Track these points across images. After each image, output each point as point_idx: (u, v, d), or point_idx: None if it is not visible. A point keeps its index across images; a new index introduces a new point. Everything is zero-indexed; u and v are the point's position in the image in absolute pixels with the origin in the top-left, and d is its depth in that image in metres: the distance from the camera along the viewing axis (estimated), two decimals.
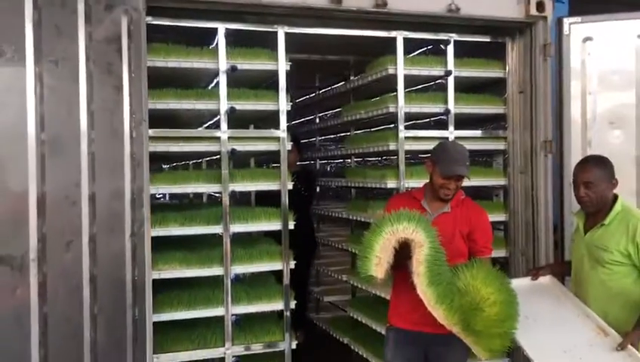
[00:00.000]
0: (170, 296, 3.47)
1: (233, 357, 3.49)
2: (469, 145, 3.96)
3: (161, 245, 3.58)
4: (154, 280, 3.32)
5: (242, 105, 3.54)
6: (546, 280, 3.09)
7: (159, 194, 7.83)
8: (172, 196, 6.61)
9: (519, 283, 3.10)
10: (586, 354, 2.57)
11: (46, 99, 2.54)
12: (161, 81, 3.48)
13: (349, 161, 5.01)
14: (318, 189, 5.61)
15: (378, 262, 2.49)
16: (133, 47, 2.84)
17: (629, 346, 2.51)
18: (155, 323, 3.32)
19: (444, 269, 2.54)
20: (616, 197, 2.81)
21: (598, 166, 2.81)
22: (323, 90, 5.34)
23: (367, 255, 2.51)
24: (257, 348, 3.57)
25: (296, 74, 5.79)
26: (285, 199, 3.60)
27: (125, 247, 2.78)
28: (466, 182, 3.92)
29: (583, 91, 3.62)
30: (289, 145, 4.43)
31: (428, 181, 2.97)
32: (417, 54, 4.16)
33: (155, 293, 3.36)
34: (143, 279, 2.90)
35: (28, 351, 2.31)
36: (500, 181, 4.12)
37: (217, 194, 3.81)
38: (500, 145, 4.11)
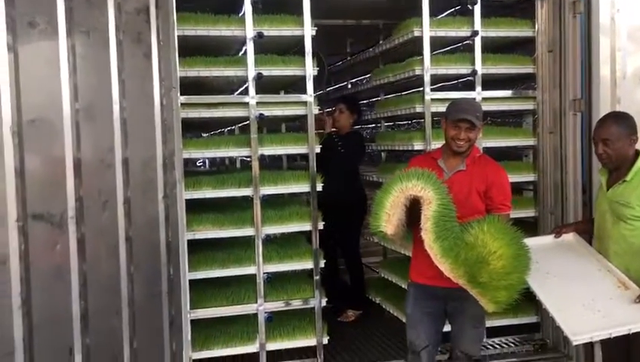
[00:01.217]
0: (205, 256, 3.65)
1: (266, 313, 3.65)
2: (497, 106, 4.03)
3: (196, 208, 3.76)
4: (189, 241, 3.52)
5: (269, 71, 3.63)
6: (569, 237, 3.11)
7: (200, 162, 8.10)
8: (211, 164, 6.84)
9: (543, 241, 3.15)
10: (605, 306, 2.60)
11: (79, 69, 2.68)
12: (191, 49, 3.61)
13: (380, 125, 5.05)
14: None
15: (387, 218, 2.59)
16: (162, 16, 2.93)
17: None
18: (190, 281, 3.53)
19: (453, 225, 2.60)
20: (637, 153, 2.80)
21: (616, 122, 2.80)
22: (354, 55, 5.38)
23: (378, 211, 2.61)
24: (288, 305, 3.71)
25: (328, 40, 5.90)
26: (313, 163, 3.70)
27: (158, 208, 2.92)
28: (496, 143, 4.02)
29: (613, 48, 3.55)
30: (339, 107, 4.61)
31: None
32: (444, 16, 4.15)
33: (191, 253, 3.56)
34: (176, 239, 3.05)
35: (69, 304, 2.50)
36: (530, 141, 4.12)
37: (248, 159, 3.94)
38: (529, 105, 4.09)
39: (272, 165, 4.80)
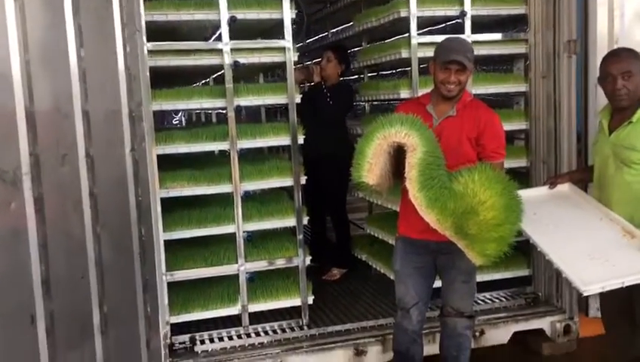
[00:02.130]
0: (181, 215, 3.43)
1: (247, 273, 3.47)
2: (488, 50, 3.80)
3: (170, 164, 3.53)
4: (163, 199, 3.31)
5: (244, 15, 3.36)
6: (564, 188, 2.95)
7: (176, 120, 7.82)
8: (187, 121, 6.58)
9: (537, 193, 2.99)
10: (614, 255, 2.44)
11: (27, 10, 2.40)
12: None
13: (363, 77, 4.80)
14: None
15: (369, 168, 2.41)
16: None
17: None
18: (166, 242, 3.33)
19: (440, 173, 2.41)
20: None
21: (633, 55, 2.62)
22: (333, 2, 5.08)
23: (359, 161, 2.43)
24: (270, 264, 3.53)
25: None
26: (294, 113, 3.47)
27: (125, 163, 2.70)
28: (485, 89, 3.81)
29: None
30: (327, 55, 4.33)
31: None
32: None
33: (166, 212, 3.35)
34: (147, 196, 2.84)
35: (28, 268, 2.28)
36: (521, 87, 3.90)
37: (224, 112, 3.69)
38: (520, 49, 3.86)
39: (251, 120, 4.56)
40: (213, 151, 4.46)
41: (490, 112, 2.85)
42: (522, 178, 3.97)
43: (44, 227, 2.35)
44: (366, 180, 2.46)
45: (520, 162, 3.94)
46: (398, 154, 2.50)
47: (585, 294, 2.38)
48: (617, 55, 2.66)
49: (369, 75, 4.76)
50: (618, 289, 2.69)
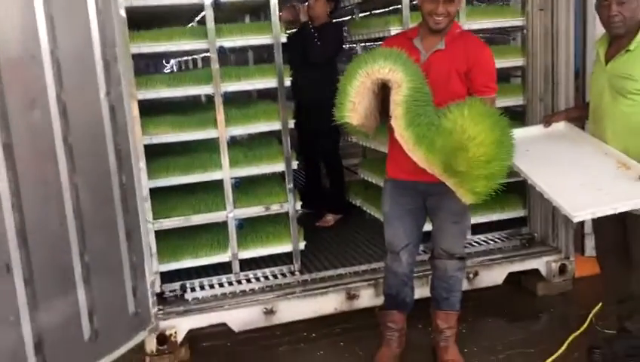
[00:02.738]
0: (166, 162, 3.34)
1: (236, 220, 3.40)
2: None
3: (153, 110, 3.43)
4: (147, 146, 3.21)
5: None
6: (559, 126, 2.85)
7: (167, 68, 7.62)
8: (179, 69, 6.40)
9: (532, 131, 2.90)
10: (607, 184, 2.36)
11: None
12: None
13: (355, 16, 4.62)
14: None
15: (353, 107, 2.32)
16: None
17: None
18: (153, 190, 3.25)
19: (427, 110, 2.31)
20: None
21: None
22: None
23: (342, 100, 2.33)
24: (259, 211, 3.46)
25: None
26: (279, 55, 3.32)
27: (101, 108, 2.60)
28: (479, 24, 3.64)
29: None
30: None
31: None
32: None
33: (150, 159, 3.26)
34: (126, 142, 2.75)
35: (0, 216, 2.20)
36: (518, 21, 3.73)
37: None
38: None
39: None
40: (201, 97, 4.38)
41: (481, 45, 2.72)
42: (519, 117, 3.86)
43: (16, 174, 2.24)
44: (349, 120, 2.37)
45: (516, 100, 3.80)
46: (383, 92, 2.39)
47: (575, 220, 2.31)
48: None
49: (361, 14, 4.57)
50: (612, 228, 2.64)
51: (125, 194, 2.74)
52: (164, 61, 7.86)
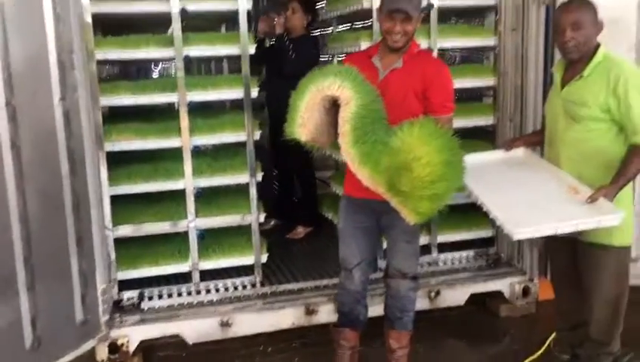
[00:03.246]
0: (129, 169, 3.32)
1: (197, 230, 3.38)
2: (457, 2, 3.62)
3: (118, 117, 3.42)
4: (110, 153, 3.20)
5: None
6: (519, 152, 2.83)
7: (155, 73, 7.57)
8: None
9: (491, 156, 2.89)
10: (553, 207, 2.34)
11: None
12: None
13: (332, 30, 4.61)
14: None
15: (302, 122, 2.32)
16: None
17: (601, 199, 2.27)
18: (114, 197, 3.24)
19: (376, 128, 2.29)
20: (598, 45, 2.46)
21: (584, 5, 2.46)
22: None
23: (292, 115, 2.33)
24: (221, 221, 3.44)
25: None
26: (247, 65, 3.31)
27: (54, 113, 2.58)
28: (451, 43, 3.64)
29: None
30: (292, 6, 4.15)
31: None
32: None
33: (113, 166, 3.24)
34: (81, 148, 2.74)
35: None
36: (490, 41, 3.72)
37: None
38: (490, 1, 3.67)
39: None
40: (175, 105, 4.36)
41: (438, 64, 2.71)
42: (490, 136, 3.85)
43: None
44: (298, 136, 2.37)
45: (487, 120, 3.80)
46: (336, 108, 2.38)
47: (515, 237, 2.29)
48: (568, 5, 2.50)
49: (341, 27, 4.57)
50: (564, 254, 2.63)
51: (77, 201, 2.71)
52: (152, 64, 7.87)
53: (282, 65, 4.12)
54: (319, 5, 4.73)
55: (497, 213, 2.32)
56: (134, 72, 5.57)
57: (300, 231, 4.51)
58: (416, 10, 2.52)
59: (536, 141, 2.82)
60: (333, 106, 2.36)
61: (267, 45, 4.50)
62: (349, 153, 2.28)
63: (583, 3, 2.45)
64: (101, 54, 3.12)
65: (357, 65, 2.45)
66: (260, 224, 3.52)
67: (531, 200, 2.39)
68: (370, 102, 2.29)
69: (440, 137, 2.31)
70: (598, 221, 2.19)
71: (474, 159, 2.75)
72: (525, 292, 3.59)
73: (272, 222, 4.68)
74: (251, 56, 3.34)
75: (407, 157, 2.23)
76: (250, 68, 3.34)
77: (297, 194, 4.72)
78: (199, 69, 4.54)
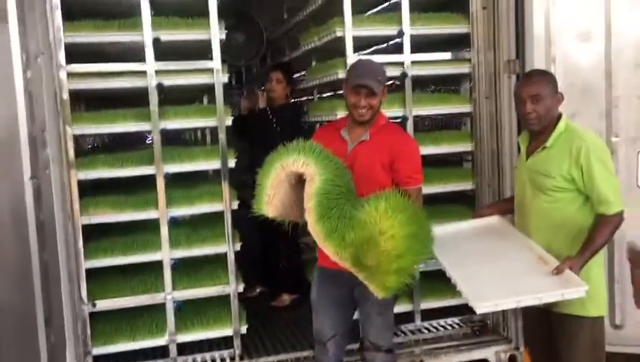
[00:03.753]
0: (105, 242, 3.32)
1: (174, 302, 3.34)
2: (430, 70, 3.69)
3: (97, 189, 3.45)
4: (88, 226, 3.21)
5: (171, 36, 3.27)
6: (493, 220, 2.82)
7: (149, 139, 7.67)
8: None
9: (464, 226, 2.87)
10: (519, 279, 2.31)
11: None
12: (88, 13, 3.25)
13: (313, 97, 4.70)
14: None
15: (268, 200, 2.33)
16: None
17: (567, 271, 2.24)
18: (91, 271, 3.23)
19: (340, 202, 2.28)
20: (560, 116, 2.49)
21: (544, 78, 2.51)
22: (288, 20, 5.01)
23: (259, 192, 2.35)
24: (200, 293, 3.40)
25: (265, 6, 5.51)
26: (224, 136, 3.36)
27: (24, 191, 2.59)
28: (427, 111, 3.69)
29: (547, 2, 3.21)
30: (276, 76, 4.21)
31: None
32: None
33: (90, 239, 3.25)
34: (52, 225, 2.74)
35: None
36: (465, 108, 3.78)
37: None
38: (464, 69, 3.75)
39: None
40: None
41: (405, 136, 2.75)
42: (470, 201, 3.86)
43: None
44: (265, 213, 2.37)
45: (466, 185, 3.81)
46: (302, 184, 2.39)
47: (478, 311, 2.24)
48: (528, 78, 2.55)
49: (325, 94, 4.66)
50: (539, 327, 2.58)
51: (47, 276, 2.69)
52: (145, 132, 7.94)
53: (266, 138, 4.15)
54: (301, 74, 4.85)
55: (462, 286, 2.29)
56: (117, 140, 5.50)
57: (285, 298, 4.45)
58: (380, 84, 2.57)
59: (507, 209, 2.81)
60: (299, 182, 2.37)
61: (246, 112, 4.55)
62: (314, 229, 2.27)
63: (542, 76, 2.50)
64: (78, 129, 3.18)
65: (326, 139, 2.49)
66: (245, 291, 3.51)
67: (498, 273, 2.36)
68: (335, 178, 2.30)
69: (405, 210, 2.31)
70: (562, 294, 2.16)
71: (446, 229, 2.75)
72: (511, 360, 3.51)
73: (258, 290, 4.64)
74: (233, 126, 3.40)
75: (372, 231, 2.23)
76: (230, 138, 3.39)
77: (283, 259, 4.68)
78: (179, 135, 4.60)
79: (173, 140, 4.66)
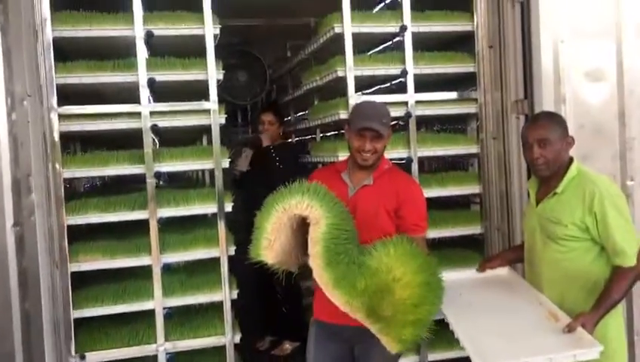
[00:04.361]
0: (95, 290, 3.18)
1: (167, 353, 3.17)
2: (436, 110, 3.57)
3: (89, 233, 3.32)
4: (78, 273, 3.08)
5: (165, 76, 3.19)
6: (502, 271, 2.63)
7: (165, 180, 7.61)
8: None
9: (471, 274, 2.69)
10: (527, 336, 2.12)
11: None
12: (83, 53, 3.18)
13: (316, 136, 4.60)
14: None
15: (268, 244, 2.12)
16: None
17: (580, 329, 2.05)
18: (80, 320, 3.08)
19: (348, 248, 2.12)
20: (571, 160, 2.34)
21: (552, 121, 2.35)
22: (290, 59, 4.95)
23: (257, 236, 2.14)
24: (194, 344, 3.23)
25: (271, 46, 5.47)
26: (220, 179, 3.23)
27: (6, 239, 2.46)
28: (432, 151, 3.56)
29: (555, 40, 3.10)
30: (267, 118, 4.12)
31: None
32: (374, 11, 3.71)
33: (79, 286, 3.11)
34: (35, 273, 2.61)
35: None
36: (472, 148, 3.65)
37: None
38: (470, 109, 3.62)
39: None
40: None
41: (411, 181, 2.60)
42: (478, 245, 3.69)
43: None
44: (264, 259, 2.17)
45: (475, 229, 3.64)
46: (304, 228, 2.23)
47: None
48: (535, 121, 2.41)
49: (321, 134, 4.55)
50: None
51: (28, 327, 2.55)
52: None
53: (270, 177, 4.00)
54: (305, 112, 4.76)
55: (467, 344, 2.11)
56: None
57: (287, 346, 4.26)
58: (386, 127, 2.44)
59: (516, 258, 2.64)
60: (301, 226, 2.21)
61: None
62: (321, 276, 2.09)
63: (550, 118, 2.36)
64: (69, 173, 3.08)
65: (326, 181, 2.32)
66: (254, 342, 3.31)
67: (505, 328, 2.18)
68: (342, 221, 2.14)
69: (417, 257, 2.16)
70: (574, 355, 1.97)
71: (450, 277, 2.57)
72: None
73: (268, 339, 4.44)
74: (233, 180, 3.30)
75: (386, 278, 2.08)
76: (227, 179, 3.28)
77: (282, 305, 4.50)
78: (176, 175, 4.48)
79: (171, 179, 4.59)
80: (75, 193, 3.87)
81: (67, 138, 3.78)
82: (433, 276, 2.21)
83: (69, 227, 3.05)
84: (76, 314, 3.06)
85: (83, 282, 3.21)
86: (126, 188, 3.66)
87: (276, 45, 5.30)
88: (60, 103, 3.01)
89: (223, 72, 3.30)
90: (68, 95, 3.18)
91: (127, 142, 3.73)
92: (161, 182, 3.31)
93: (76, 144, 4.00)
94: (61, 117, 3.02)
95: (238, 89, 5.52)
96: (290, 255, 2.28)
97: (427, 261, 2.22)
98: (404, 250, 2.17)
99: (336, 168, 2.64)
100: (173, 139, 3.76)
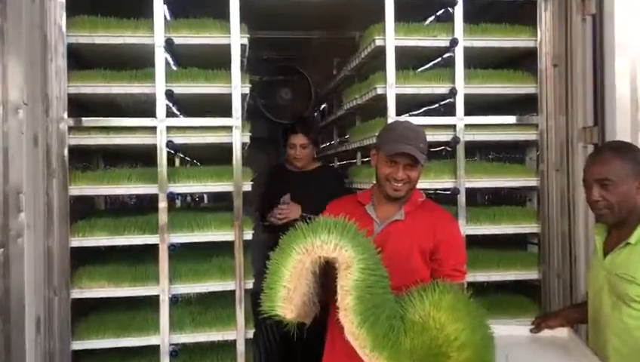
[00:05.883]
0: (97, 321, 2.90)
1: None
2: (490, 136, 3.15)
3: (99, 257, 3.06)
4: (80, 300, 2.82)
5: (186, 89, 2.91)
6: (562, 333, 2.18)
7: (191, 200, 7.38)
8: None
9: (525, 331, 2.23)
10: None
11: None
12: (104, 62, 2.95)
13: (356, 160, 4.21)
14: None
15: (287, 295, 1.70)
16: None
17: None
18: (79, 352, 2.81)
19: (386, 299, 1.74)
20: None
21: (618, 156, 1.90)
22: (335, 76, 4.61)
23: (272, 285, 1.72)
24: None
25: (315, 61, 5.17)
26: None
27: None
28: (487, 183, 3.12)
29: (633, 60, 2.63)
30: (300, 142, 3.52)
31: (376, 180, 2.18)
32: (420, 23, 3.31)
33: (79, 314, 2.85)
34: (20, 302, 2.33)
35: None
36: (531, 181, 3.18)
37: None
38: (530, 136, 3.17)
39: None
40: None
41: (449, 218, 2.19)
42: (534, 292, 3.21)
43: None
44: (282, 312, 1.72)
45: (531, 274, 3.16)
46: (324, 273, 1.81)
47: None
48: (597, 155, 1.96)
49: (362, 159, 4.17)
50: None
51: (9, 355, 2.27)
52: None
53: (305, 202, 3.58)
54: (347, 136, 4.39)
55: None
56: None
57: None
58: (423, 153, 2.06)
59: (579, 318, 2.17)
60: (324, 273, 1.81)
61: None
62: (356, 335, 1.69)
63: (616, 153, 1.90)
64: (77, 190, 2.83)
65: (347, 215, 1.93)
66: None
67: None
68: (376, 265, 1.74)
69: (471, 310, 1.77)
70: None
71: (500, 333, 2.12)
72: None
73: None
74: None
75: (437, 336, 1.71)
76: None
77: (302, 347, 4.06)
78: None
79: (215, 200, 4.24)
80: (94, 211, 3.63)
81: (87, 152, 3.59)
82: (487, 333, 1.83)
83: (74, 249, 2.79)
84: (74, 346, 2.78)
85: (83, 307, 2.94)
86: (147, 207, 3.40)
87: (323, 62, 4.99)
88: (72, 114, 2.79)
89: (249, 85, 3.00)
90: (82, 105, 2.95)
91: (150, 159, 3.47)
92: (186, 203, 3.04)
93: (99, 159, 3.77)
94: (71, 129, 2.79)
95: (280, 107, 5.21)
96: (307, 307, 1.88)
97: (481, 315, 1.84)
98: (452, 302, 1.78)
99: (358, 200, 2.26)
100: (205, 159, 3.49)
